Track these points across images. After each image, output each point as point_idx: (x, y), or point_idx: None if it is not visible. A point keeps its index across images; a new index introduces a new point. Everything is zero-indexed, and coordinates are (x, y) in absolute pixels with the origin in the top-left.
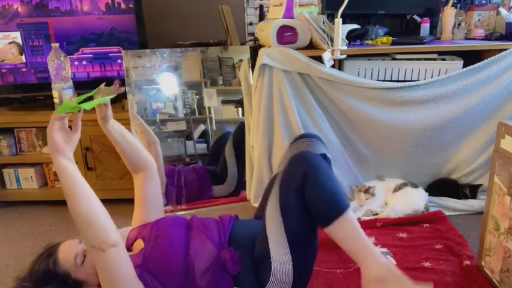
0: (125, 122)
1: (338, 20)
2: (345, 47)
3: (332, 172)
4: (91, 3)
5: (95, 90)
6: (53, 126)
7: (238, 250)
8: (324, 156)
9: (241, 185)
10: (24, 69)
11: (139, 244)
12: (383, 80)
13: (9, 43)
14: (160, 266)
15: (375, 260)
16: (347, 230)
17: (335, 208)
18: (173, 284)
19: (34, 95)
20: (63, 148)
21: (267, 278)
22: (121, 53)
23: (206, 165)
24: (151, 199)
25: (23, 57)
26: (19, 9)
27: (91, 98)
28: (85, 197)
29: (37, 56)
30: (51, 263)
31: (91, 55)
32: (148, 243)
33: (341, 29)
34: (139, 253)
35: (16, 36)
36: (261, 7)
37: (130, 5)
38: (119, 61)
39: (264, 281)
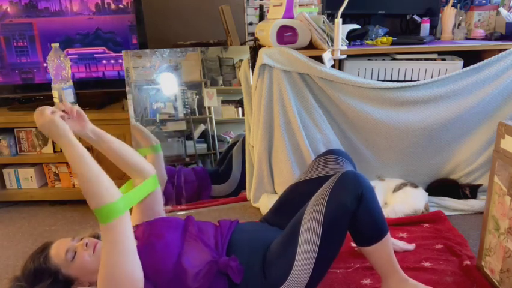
0: (125, 122)
1: (338, 20)
2: (345, 47)
3: None
4: (80, 4)
5: None
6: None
7: (241, 256)
8: None
9: (241, 185)
10: None
11: None
12: (383, 80)
13: None
14: (150, 263)
15: (399, 278)
16: (383, 251)
17: (381, 230)
18: (161, 282)
19: (34, 95)
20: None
21: (280, 283)
22: (106, 53)
23: (214, 166)
24: (148, 203)
25: None
26: (8, 9)
27: None
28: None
29: (22, 57)
30: (42, 259)
31: (76, 56)
32: (140, 241)
33: (341, 29)
34: None
35: None
36: (261, 7)
37: (120, 6)
38: (104, 62)
39: (276, 284)
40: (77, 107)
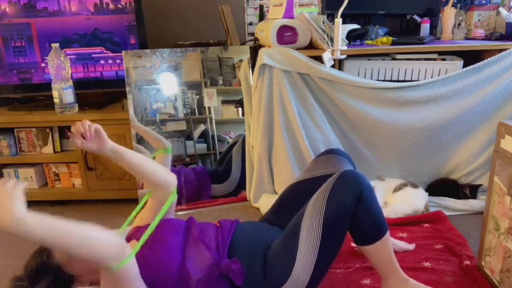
0: (125, 122)
1: (338, 20)
2: (345, 47)
3: None
4: (79, 4)
5: None
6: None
7: (242, 257)
8: None
9: (241, 185)
10: None
11: (132, 245)
12: (383, 80)
13: None
14: (153, 269)
15: (399, 278)
16: (383, 250)
17: (381, 229)
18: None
19: (34, 95)
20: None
21: (281, 284)
22: (104, 53)
23: (214, 165)
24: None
25: None
26: (7, 9)
27: None
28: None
29: (19, 57)
30: (45, 256)
31: (74, 56)
32: (143, 246)
33: (341, 29)
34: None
35: None
36: (261, 7)
37: (119, 6)
38: (102, 62)
39: (276, 285)
40: (96, 125)
